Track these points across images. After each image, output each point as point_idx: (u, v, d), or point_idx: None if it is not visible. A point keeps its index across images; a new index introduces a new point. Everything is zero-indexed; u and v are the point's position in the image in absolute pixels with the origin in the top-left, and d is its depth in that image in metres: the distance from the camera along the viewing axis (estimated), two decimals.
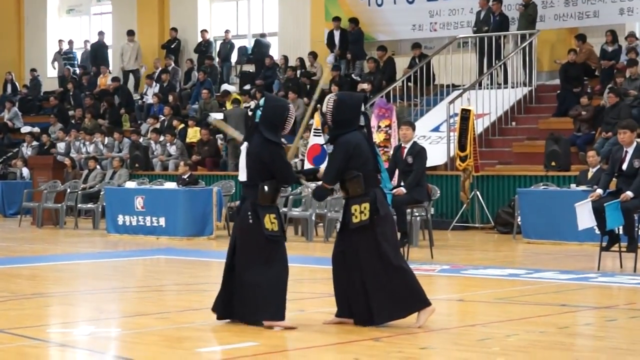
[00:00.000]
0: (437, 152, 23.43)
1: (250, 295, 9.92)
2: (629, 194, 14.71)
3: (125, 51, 33.49)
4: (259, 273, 9.90)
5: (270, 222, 9.95)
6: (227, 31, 32.84)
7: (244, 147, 10.12)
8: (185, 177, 22.73)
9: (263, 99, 10.32)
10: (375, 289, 9.81)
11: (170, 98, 31.03)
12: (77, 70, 35.80)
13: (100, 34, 34.82)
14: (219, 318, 10.21)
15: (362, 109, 10.28)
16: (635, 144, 15.08)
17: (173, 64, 33.27)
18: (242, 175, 10.08)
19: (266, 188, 9.95)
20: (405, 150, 17.18)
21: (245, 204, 10.06)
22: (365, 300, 9.88)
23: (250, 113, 10.55)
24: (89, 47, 36.20)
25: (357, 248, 9.92)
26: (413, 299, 9.88)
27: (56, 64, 36.72)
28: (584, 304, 12.46)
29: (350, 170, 10.00)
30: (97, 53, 35.09)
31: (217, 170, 27.24)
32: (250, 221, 9.95)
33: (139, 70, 33.96)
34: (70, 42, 36.48)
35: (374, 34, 29.39)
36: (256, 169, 10.00)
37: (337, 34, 29.45)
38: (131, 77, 34.36)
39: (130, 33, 33.93)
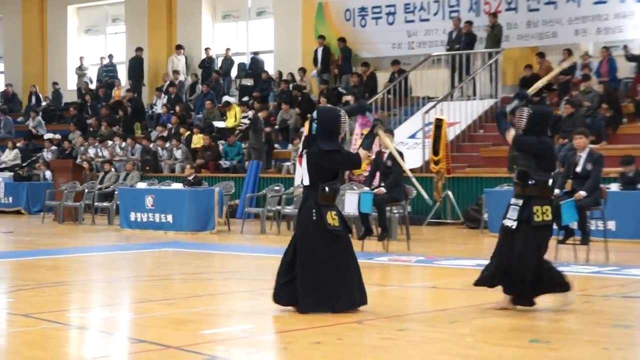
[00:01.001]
0: (413, 156, 23.44)
1: (315, 287, 9.83)
2: (582, 193, 14.76)
3: (175, 64, 33.29)
4: (324, 266, 9.83)
5: (332, 218, 9.94)
6: (227, 49, 32.85)
7: (304, 155, 10.13)
8: (190, 178, 22.74)
9: (315, 112, 10.28)
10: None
11: (177, 108, 31.07)
12: (114, 82, 35.48)
13: (138, 50, 34.46)
14: (279, 303, 10.09)
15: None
16: (588, 149, 15.14)
17: (179, 78, 33.31)
18: (305, 180, 10.10)
19: (327, 189, 9.96)
20: (385, 155, 17.21)
21: (308, 203, 10.04)
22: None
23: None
24: (104, 62, 36.14)
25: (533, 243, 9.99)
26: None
27: (90, 75, 36.60)
28: None
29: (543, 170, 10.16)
30: (136, 67, 34.76)
31: (218, 172, 27.25)
32: (314, 218, 9.93)
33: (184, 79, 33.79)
34: (110, 56, 36.13)
35: (358, 52, 29.41)
36: (317, 173, 10.00)
37: (320, 51, 29.49)
38: (143, 89, 34.35)
39: (139, 49, 33.91)
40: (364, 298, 9.99)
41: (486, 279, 10.26)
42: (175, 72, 33.01)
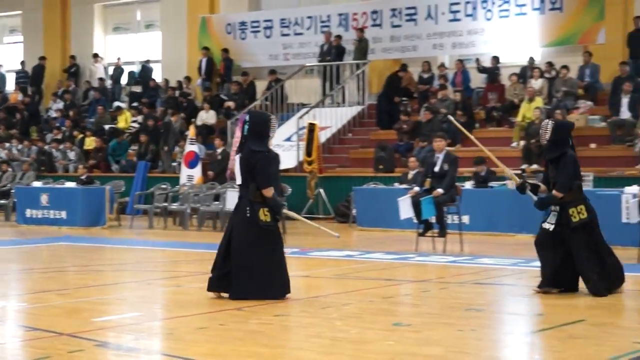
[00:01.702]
0: (288, 157, 23.46)
1: (248, 276, 9.78)
2: (440, 190, 14.97)
3: (93, 72, 32.50)
4: (256, 258, 9.78)
5: (264, 215, 9.87)
6: (118, 58, 32.46)
7: (237, 157, 10.00)
8: (83, 177, 22.43)
9: (248, 115, 10.19)
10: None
11: (71, 113, 30.62)
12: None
13: (42, 58, 33.51)
14: (211, 290, 10.04)
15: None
16: (445, 150, 15.35)
17: (74, 85, 32.80)
18: (238, 179, 10.00)
19: (256, 187, 9.87)
20: None
21: (242, 201, 9.96)
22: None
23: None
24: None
25: (579, 242, 10.19)
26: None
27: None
28: (405, 278, 12.61)
29: (574, 180, 10.35)
30: (37, 74, 33.79)
31: (109, 173, 26.92)
32: (248, 215, 9.83)
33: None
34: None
35: (238, 62, 29.31)
36: (248, 173, 9.90)
37: (204, 62, 29.36)
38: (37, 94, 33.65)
39: (42, 58, 33.24)
40: (289, 287, 10.01)
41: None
42: (101, 79, 32.23)
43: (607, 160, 20.66)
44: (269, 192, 9.92)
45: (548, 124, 10.42)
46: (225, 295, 9.95)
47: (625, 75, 22.31)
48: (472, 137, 12.21)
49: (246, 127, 10.02)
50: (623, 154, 20.88)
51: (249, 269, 9.78)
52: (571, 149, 10.47)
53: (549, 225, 10.29)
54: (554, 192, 10.31)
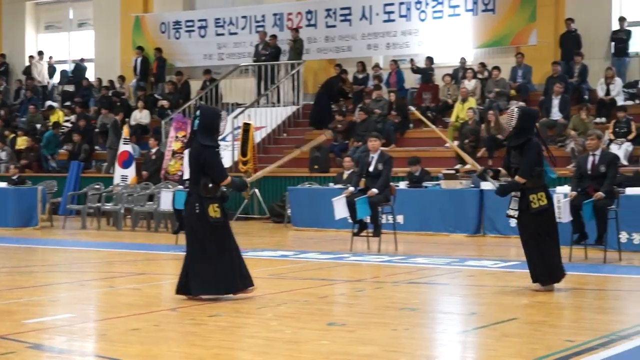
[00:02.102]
0: (223, 157, 23.35)
1: (202, 273, 9.73)
2: (374, 190, 15.03)
3: (37, 68, 31.88)
4: (209, 254, 9.74)
5: (213, 211, 9.81)
6: (50, 57, 32.09)
7: (186, 151, 9.93)
8: (15, 177, 22.14)
9: (199, 110, 10.11)
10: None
11: (2, 112, 30.20)
12: None
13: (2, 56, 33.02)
14: (178, 293, 9.96)
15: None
16: (379, 151, 15.40)
17: (5, 84, 32.35)
18: (186, 174, 9.91)
19: (209, 183, 9.83)
20: None
21: (192, 197, 9.89)
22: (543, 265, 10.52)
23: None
24: None
25: (535, 228, 10.43)
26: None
27: None
28: (340, 278, 12.64)
29: (536, 167, 10.48)
30: None
31: (41, 172, 26.62)
32: (197, 211, 9.77)
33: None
34: None
35: (173, 62, 29.16)
36: (197, 168, 9.85)
37: (139, 61, 29.17)
38: None
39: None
40: (250, 280, 10.01)
41: None
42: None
43: None
44: (227, 181, 9.95)
45: (514, 111, 10.48)
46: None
47: (557, 75, 22.59)
48: (433, 126, 12.32)
49: (196, 121, 9.98)
50: (555, 154, 21.00)
51: (203, 265, 9.73)
52: (536, 136, 10.60)
53: (513, 212, 10.52)
54: (516, 177, 10.50)
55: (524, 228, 10.59)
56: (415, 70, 25.17)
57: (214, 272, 9.76)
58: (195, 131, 9.99)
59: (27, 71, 32.03)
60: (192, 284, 9.78)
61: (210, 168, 9.85)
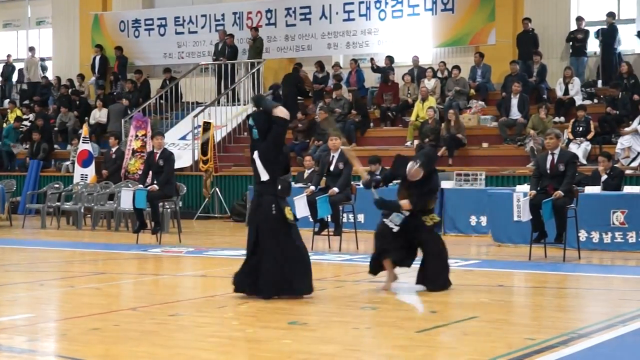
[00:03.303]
0: (184, 156, 23.35)
1: (280, 273, 9.73)
2: (335, 189, 15.05)
3: (30, 65, 31.35)
4: (286, 255, 9.74)
5: (289, 213, 9.84)
6: (9, 55, 31.81)
7: (255, 156, 9.83)
8: None
9: (252, 119, 10.04)
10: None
11: None
12: None
13: None
14: (238, 291, 9.91)
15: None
16: (340, 150, 15.40)
17: None
18: (264, 176, 9.79)
19: (283, 184, 9.88)
20: (157, 155, 17.07)
21: (265, 198, 9.83)
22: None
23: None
24: None
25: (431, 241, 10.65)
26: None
27: None
28: None
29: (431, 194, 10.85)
30: None
31: (1, 171, 26.40)
32: (274, 212, 9.73)
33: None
34: None
35: (132, 60, 29.02)
36: (274, 165, 9.86)
37: (97, 59, 29.00)
38: None
39: None
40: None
41: None
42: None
43: (499, 160, 21.03)
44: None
45: (419, 173, 10.65)
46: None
47: (515, 74, 22.73)
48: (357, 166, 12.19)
49: (255, 131, 9.95)
50: (514, 153, 21.26)
51: (280, 267, 9.77)
52: (433, 148, 10.89)
53: (392, 225, 10.47)
54: (403, 202, 10.53)
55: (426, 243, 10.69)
56: (375, 69, 25.22)
57: (288, 273, 9.78)
58: (256, 140, 9.95)
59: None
60: (266, 286, 9.76)
61: (276, 136, 9.88)
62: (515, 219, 14.70)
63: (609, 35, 23.03)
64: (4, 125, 28.22)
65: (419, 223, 10.53)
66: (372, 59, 25.44)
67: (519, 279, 12.31)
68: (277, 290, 9.80)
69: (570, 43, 23.51)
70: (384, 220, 10.59)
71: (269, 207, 9.81)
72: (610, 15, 23.11)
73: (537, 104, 21.95)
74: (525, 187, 14.95)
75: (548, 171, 13.83)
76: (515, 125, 21.67)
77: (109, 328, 8.30)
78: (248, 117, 10.33)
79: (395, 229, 10.46)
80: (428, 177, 10.66)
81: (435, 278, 10.59)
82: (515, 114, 21.85)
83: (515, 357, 7.05)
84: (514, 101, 21.95)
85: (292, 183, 10.57)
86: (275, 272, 9.76)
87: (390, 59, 24.97)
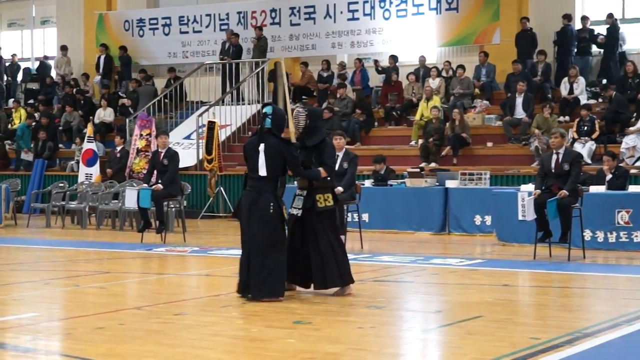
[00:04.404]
0: (188, 155, 23.34)
1: (265, 277, 9.65)
2: (340, 189, 14.95)
3: (60, 64, 31.29)
4: (279, 256, 9.69)
5: (285, 212, 9.84)
6: (14, 54, 31.83)
7: (261, 148, 9.80)
8: None
9: (270, 108, 10.01)
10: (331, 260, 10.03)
11: None
12: None
13: None
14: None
15: None
16: (344, 149, 15.39)
17: None
18: (263, 171, 9.76)
19: (282, 183, 9.90)
20: (162, 154, 17.08)
21: (263, 196, 9.78)
22: (323, 269, 10.00)
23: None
24: None
25: (320, 227, 10.06)
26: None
27: None
28: None
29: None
30: None
31: (5, 170, 26.42)
32: (272, 211, 9.70)
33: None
34: None
35: (137, 60, 29.04)
36: (276, 165, 9.80)
37: (102, 59, 29.02)
38: None
39: None
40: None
41: None
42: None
43: (503, 159, 21.03)
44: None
45: (301, 113, 10.28)
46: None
47: (517, 73, 22.70)
48: None
49: (268, 120, 9.90)
50: (519, 152, 21.26)
51: (277, 270, 9.75)
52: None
53: (296, 211, 10.17)
54: (321, 169, 10.16)
55: (307, 227, 10.16)
56: (380, 71, 25.19)
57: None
58: (268, 129, 9.89)
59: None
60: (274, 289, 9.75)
61: (296, 162, 9.88)
62: (520, 218, 14.69)
63: (610, 35, 23.03)
64: (11, 125, 28.24)
65: (311, 201, 10.09)
66: (376, 61, 25.42)
67: (524, 279, 12.30)
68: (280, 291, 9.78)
69: (575, 42, 23.47)
70: (290, 211, 10.23)
71: (267, 205, 9.77)
72: (610, 16, 23.10)
73: (541, 104, 21.93)
74: (530, 187, 14.94)
75: (553, 170, 13.82)
76: (519, 125, 21.65)
77: (114, 327, 8.31)
78: (264, 105, 10.24)
79: (299, 212, 10.11)
80: (323, 142, 10.30)
81: (319, 276, 10.14)
82: (520, 113, 21.84)
83: (520, 356, 7.04)
84: (519, 100, 21.93)
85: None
86: (268, 275, 9.71)
87: (394, 59, 24.95)
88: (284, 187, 10.07)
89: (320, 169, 10.13)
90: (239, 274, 9.92)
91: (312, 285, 10.22)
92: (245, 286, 9.79)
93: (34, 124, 27.37)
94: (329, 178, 10.21)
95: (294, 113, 10.29)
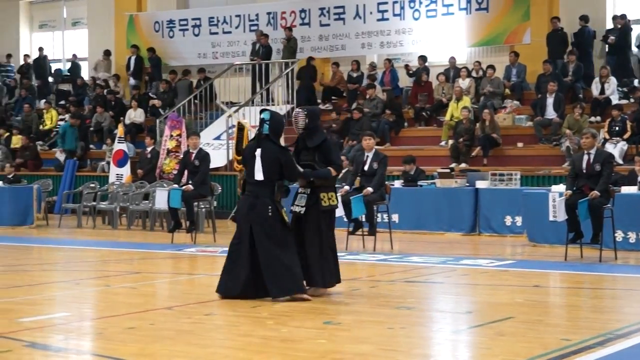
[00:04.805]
0: (218, 156, 23.38)
1: (281, 274, 9.70)
2: (370, 189, 15.01)
3: (100, 66, 31.42)
4: (284, 256, 9.72)
5: (285, 216, 9.87)
6: (45, 56, 32.00)
7: (258, 153, 9.87)
8: (10, 176, 22.14)
9: (267, 113, 10.08)
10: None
11: None
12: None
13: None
14: (226, 297, 9.83)
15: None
16: (374, 149, 15.39)
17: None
18: (259, 176, 9.83)
19: (280, 187, 9.89)
20: (193, 155, 17.13)
21: (261, 200, 9.80)
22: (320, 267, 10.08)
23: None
24: None
25: (323, 227, 10.09)
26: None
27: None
28: None
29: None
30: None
31: (37, 171, 26.58)
32: (270, 214, 9.73)
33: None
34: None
35: (167, 60, 29.14)
36: (272, 170, 9.82)
37: (132, 60, 29.15)
38: None
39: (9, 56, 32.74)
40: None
41: None
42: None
43: (534, 159, 20.93)
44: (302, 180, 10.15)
45: (299, 114, 10.26)
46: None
47: (548, 74, 22.60)
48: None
49: (266, 126, 9.97)
50: (549, 153, 21.15)
51: (284, 268, 9.77)
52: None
53: (299, 208, 10.12)
54: (330, 168, 10.15)
55: (308, 225, 10.11)
56: (411, 74, 25.08)
57: (296, 272, 9.82)
58: (266, 135, 9.96)
59: (22, 70, 31.94)
60: (281, 287, 9.77)
61: (292, 168, 9.88)
62: (551, 219, 14.61)
63: (622, 36, 22.91)
64: (42, 126, 28.40)
65: (315, 199, 10.08)
66: (406, 66, 25.34)
67: (555, 280, 12.24)
68: (285, 291, 9.78)
69: (607, 42, 23.33)
70: (292, 208, 10.20)
71: (265, 209, 9.80)
72: (622, 17, 22.97)
73: (572, 104, 21.81)
74: (561, 187, 14.86)
75: (584, 171, 13.74)
76: (550, 125, 21.55)
77: (145, 327, 8.34)
78: (262, 111, 10.28)
79: (302, 210, 10.11)
80: (325, 142, 10.27)
81: (316, 275, 10.12)
82: (550, 113, 21.73)
83: (551, 358, 7.01)
84: (550, 101, 21.82)
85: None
86: (275, 273, 9.75)
87: (423, 59, 24.88)
88: (282, 191, 10.02)
89: (330, 168, 10.13)
90: (222, 275, 9.95)
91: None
92: (247, 287, 9.83)
93: (62, 124, 27.55)
94: (339, 177, 10.27)
95: (293, 114, 10.35)
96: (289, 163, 9.88)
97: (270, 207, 9.78)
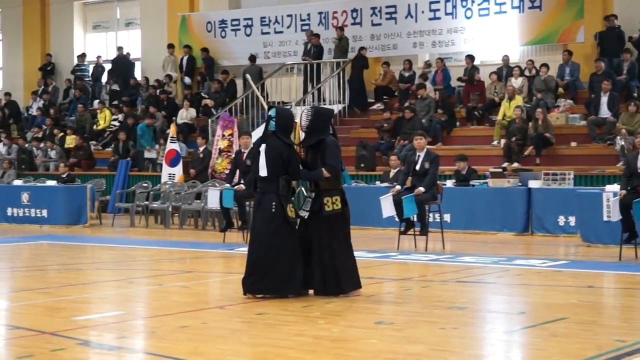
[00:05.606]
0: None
1: (278, 272, 9.79)
2: (421, 189, 14.95)
3: (167, 62, 31.73)
4: (284, 254, 9.78)
5: (290, 211, 9.88)
6: (98, 56, 32.29)
7: (262, 148, 9.95)
8: (64, 176, 22.38)
9: (274, 110, 10.15)
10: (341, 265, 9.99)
11: (52, 111, 30.49)
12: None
13: (48, 55, 33.17)
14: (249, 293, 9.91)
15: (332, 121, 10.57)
16: (425, 149, 15.34)
17: (54, 83, 32.59)
18: (263, 172, 9.92)
19: (285, 182, 9.91)
20: (245, 155, 17.18)
21: (267, 196, 9.89)
22: (335, 273, 9.95)
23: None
24: None
25: (329, 231, 9.99)
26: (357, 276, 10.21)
27: None
28: (387, 276, 12.57)
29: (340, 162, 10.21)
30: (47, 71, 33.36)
31: (91, 171, 26.83)
32: (274, 210, 9.80)
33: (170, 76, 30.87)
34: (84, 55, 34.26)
35: (219, 60, 29.27)
36: (276, 166, 9.88)
37: (185, 60, 29.31)
38: (19, 92, 33.42)
39: (48, 55, 33.08)
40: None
41: None
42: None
43: (588, 159, 20.73)
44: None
45: (308, 111, 10.24)
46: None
47: (600, 72, 22.37)
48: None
49: (272, 122, 10.01)
50: (603, 152, 20.94)
51: (279, 267, 9.81)
52: (332, 136, 10.37)
53: (304, 213, 10.06)
54: (323, 169, 10.03)
55: (314, 232, 10.04)
56: (465, 80, 24.88)
57: (291, 271, 9.86)
58: (273, 132, 9.99)
59: (76, 70, 32.24)
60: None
61: (294, 165, 9.92)
62: (605, 219, 14.47)
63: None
64: (96, 126, 28.66)
65: (319, 204, 9.99)
66: (459, 79, 25.15)
67: (609, 280, 12.12)
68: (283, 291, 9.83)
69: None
70: (299, 213, 10.09)
71: (269, 205, 9.83)
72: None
73: (626, 103, 21.58)
74: (615, 187, 14.71)
75: (639, 170, 13.59)
76: (604, 124, 21.33)
77: (197, 326, 8.38)
78: (269, 108, 10.29)
79: (306, 215, 10.04)
80: (323, 143, 10.14)
81: (323, 283, 10.02)
82: (604, 112, 21.51)
83: (605, 359, 6.94)
84: (604, 99, 21.60)
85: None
86: (274, 271, 9.79)
87: (470, 58, 24.72)
88: (290, 186, 10.02)
89: (323, 169, 10.07)
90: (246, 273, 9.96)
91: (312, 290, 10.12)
92: (255, 284, 9.87)
93: (115, 124, 27.76)
94: (340, 179, 10.20)
95: (302, 111, 10.35)
96: (291, 159, 9.92)
97: (274, 203, 9.82)
